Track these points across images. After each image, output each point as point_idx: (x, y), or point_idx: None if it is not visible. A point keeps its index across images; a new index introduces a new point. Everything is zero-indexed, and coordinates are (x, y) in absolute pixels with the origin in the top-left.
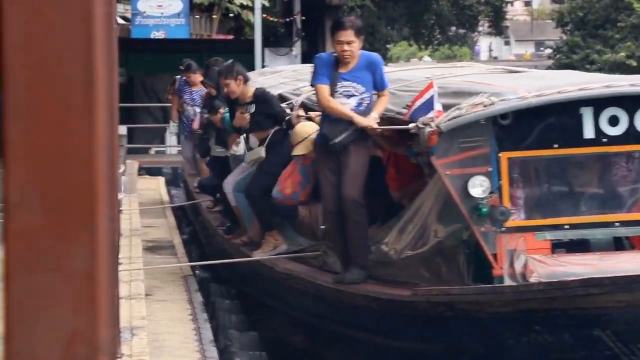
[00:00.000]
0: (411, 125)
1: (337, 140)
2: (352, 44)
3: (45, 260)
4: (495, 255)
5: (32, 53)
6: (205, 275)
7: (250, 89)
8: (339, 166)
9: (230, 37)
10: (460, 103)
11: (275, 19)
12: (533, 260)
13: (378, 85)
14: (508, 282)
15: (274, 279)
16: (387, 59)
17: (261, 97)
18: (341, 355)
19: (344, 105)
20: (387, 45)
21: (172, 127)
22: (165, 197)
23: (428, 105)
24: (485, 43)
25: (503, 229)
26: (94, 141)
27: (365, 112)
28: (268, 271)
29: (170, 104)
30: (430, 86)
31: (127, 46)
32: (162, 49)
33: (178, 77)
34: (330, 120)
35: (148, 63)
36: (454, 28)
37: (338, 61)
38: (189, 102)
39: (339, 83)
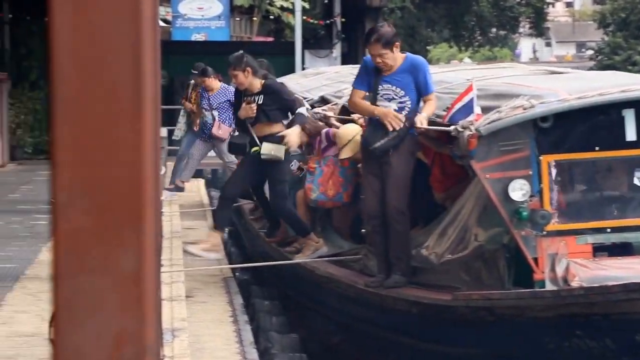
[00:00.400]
0: (452, 127)
1: (377, 145)
2: (383, 56)
3: (93, 261)
4: (536, 259)
5: (80, 55)
6: (246, 277)
7: (259, 81)
8: (383, 173)
9: (270, 39)
10: (501, 106)
11: (316, 21)
12: (574, 264)
13: (422, 89)
14: (549, 286)
15: (315, 282)
16: (427, 61)
17: (270, 88)
18: None
19: (385, 109)
20: (427, 47)
21: (177, 132)
22: (205, 199)
23: (467, 109)
24: (527, 44)
25: (544, 232)
26: (141, 143)
27: (408, 117)
28: (309, 274)
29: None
30: (469, 89)
31: (168, 48)
32: (202, 51)
33: (192, 82)
34: (372, 125)
35: (189, 65)
36: (494, 29)
37: None
38: (207, 107)
39: (379, 86)
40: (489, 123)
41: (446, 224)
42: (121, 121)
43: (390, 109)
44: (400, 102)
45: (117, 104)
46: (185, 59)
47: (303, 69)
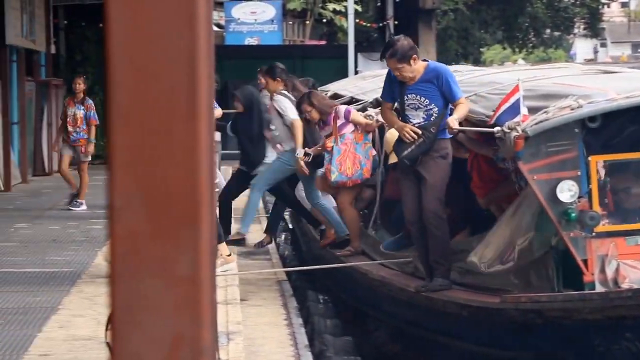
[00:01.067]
0: (496, 129)
1: (404, 154)
2: (400, 70)
3: (150, 263)
4: (585, 261)
5: (136, 60)
6: (300, 280)
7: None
8: (418, 179)
9: (323, 42)
10: (549, 106)
11: (368, 24)
12: (625, 265)
13: (448, 96)
14: (599, 288)
15: (367, 285)
16: (481, 63)
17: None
18: None
19: (413, 117)
20: (481, 49)
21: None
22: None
23: (514, 109)
24: (582, 45)
25: (593, 234)
26: (196, 146)
27: (435, 123)
28: (361, 277)
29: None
30: (516, 90)
31: (221, 53)
32: (255, 55)
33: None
34: (399, 136)
35: (242, 69)
36: (548, 30)
37: None
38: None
39: (405, 96)
40: (536, 124)
41: (496, 232)
42: (177, 125)
43: (406, 124)
44: (427, 111)
45: (172, 107)
46: (238, 63)
47: (356, 72)
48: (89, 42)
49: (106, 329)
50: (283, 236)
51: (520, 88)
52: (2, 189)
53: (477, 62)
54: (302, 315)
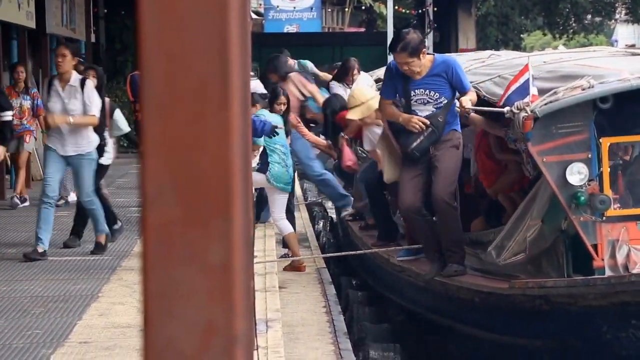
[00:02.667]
0: (506, 109)
1: (413, 146)
2: (410, 64)
3: (182, 252)
4: (595, 246)
5: (168, 47)
6: (338, 268)
7: None
8: (429, 168)
9: (362, 29)
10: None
11: (407, 11)
12: (636, 251)
13: (458, 87)
14: (609, 273)
15: (389, 270)
16: (521, 49)
17: None
18: (456, 351)
19: (421, 112)
20: (521, 35)
21: None
22: (298, 192)
23: (523, 90)
24: (623, 31)
25: (604, 218)
26: (228, 134)
27: (445, 113)
28: (384, 263)
29: None
30: (525, 69)
31: (260, 41)
32: (294, 43)
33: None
34: (404, 129)
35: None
36: (589, 16)
37: None
38: None
39: (412, 92)
40: (545, 104)
41: (512, 224)
42: (209, 113)
43: (412, 115)
44: (437, 104)
45: (204, 96)
46: (277, 51)
47: None
48: (128, 30)
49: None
50: (321, 224)
51: (530, 68)
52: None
53: (518, 48)
54: (341, 303)
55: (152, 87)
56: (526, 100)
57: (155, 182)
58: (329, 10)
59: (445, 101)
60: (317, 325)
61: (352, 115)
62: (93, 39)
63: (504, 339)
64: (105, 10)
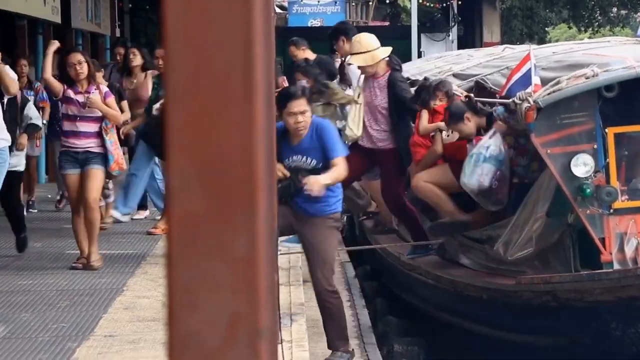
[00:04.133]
0: (510, 100)
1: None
2: (305, 114)
3: (206, 244)
4: (603, 240)
5: (192, 40)
6: (358, 262)
7: None
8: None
9: (386, 23)
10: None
11: (432, 5)
12: None
13: (327, 154)
14: (617, 267)
15: (400, 269)
16: (546, 42)
17: None
18: (468, 349)
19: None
20: (546, 28)
21: None
22: None
23: (525, 79)
24: None
25: (611, 210)
26: (252, 127)
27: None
28: (395, 261)
29: None
30: (527, 59)
31: (284, 34)
32: (318, 37)
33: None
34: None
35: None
36: (615, 9)
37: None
38: None
39: (288, 158)
40: (548, 94)
41: (518, 218)
42: (232, 106)
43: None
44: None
45: (228, 88)
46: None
47: (419, 53)
48: (153, 25)
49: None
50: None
51: (532, 56)
52: None
53: (542, 41)
54: (365, 297)
55: (175, 79)
56: (528, 90)
57: (179, 175)
58: (353, 4)
59: (318, 166)
60: None
61: (355, 61)
62: (118, 34)
63: (512, 337)
64: (130, 5)
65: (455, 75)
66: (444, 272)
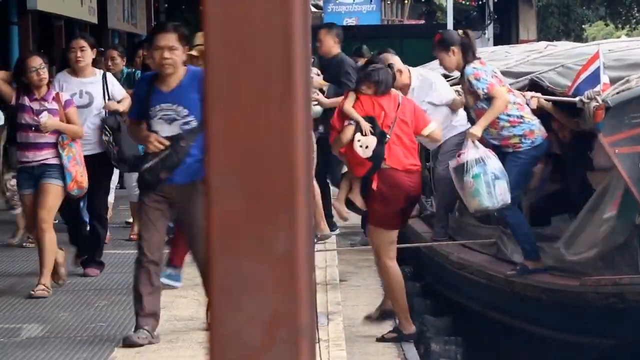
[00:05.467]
0: (577, 99)
1: (146, 167)
2: (173, 51)
3: (246, 243)
4: None
5: (231, 39)
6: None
7: None
8: (170, 210)
9: (422, 21)
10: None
11: (467, 2)
12: None
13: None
14: None
15: (447, 267)
16: (583, 40)
17: None
18: (518, 350)
19: (164, 133)
20: (583, 26)
21: None
22: None
23: (594, 78)
24: None
25: None
26: (292, 126)
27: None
28: (442, 259)
29: None
30: (595, 57)
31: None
32: (354, 35)
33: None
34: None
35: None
36: None
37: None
38: None
39: (156, 106)
40: (617, 93)
41: (582, 219)
42: (272, 105)
43: (151, 133)
44: (184, 124)
45: (268, 87)
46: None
47: None
48: (189, 25)
49: (207, 310)
50: None
51: (601, 55)
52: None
53: (579, 39)
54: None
55: (215, 78)
56: (597, 89)
57: (219, 174)
58: (388, 2)
59: (195, 123)
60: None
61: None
62: None
63: (572, 338)
64: (166, 5)
65: (502, 73)
66: (498, 271)
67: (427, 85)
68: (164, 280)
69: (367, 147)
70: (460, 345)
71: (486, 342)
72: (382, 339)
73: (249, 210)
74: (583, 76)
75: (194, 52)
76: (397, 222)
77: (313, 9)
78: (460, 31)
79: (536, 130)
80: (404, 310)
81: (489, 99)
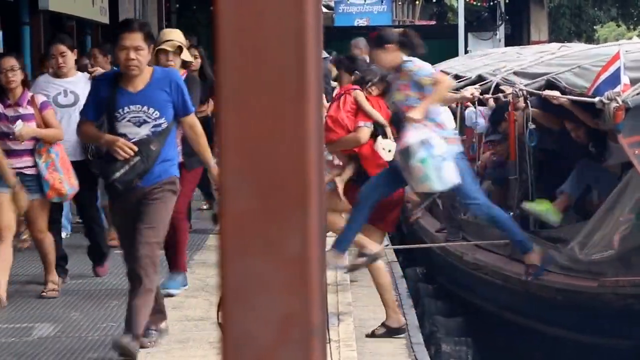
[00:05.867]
0: (596, 99)
1: (116, 176)
2: (139, 51)
3: (259, 243)
4: None
5: (244, 39)
6: (408, 261)
7: None
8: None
9: (433, 22)
10: None
11: (479, 3)
12: None
13: (180, 110)
14: None
15: (461, 267)
16: (595, 41)
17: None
18: (532, 350)
19: (133, 137)
20: (594, 27)
21: None
22: None
23: (614, 79)
24: None
25: None
26: (304, 127)
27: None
28: (456, 260)
29: None
30: (616, 57)
31: (330, 34)
32: (364, 36)
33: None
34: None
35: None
36: None
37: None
38: None
39: (124, 107)
40: (637, 94)
41: (597, 219)
42: (285, 106)
43: (118, 138)
44: (155, 127)
45: (281, 89)
46: (347, 45)
47: (466, 52)
48: (200, 25)
49: (217, 310)
50: None
51: (621, 56)
52: None
53: (591, 40)
54: (412, 297)
55: (228, 79)
56: (617, 89)
57: (232, 174)
58: (399, 3)
59: (165, 125)
60: None
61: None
62: None
63: (589, 339)
64: (177, 5)
65: (517, 74)
66: (514, 271)
67: None
68: (171, 291)
69: (389, 150)
70: (471, 346)
71: (498, 343)
72: (372, 335)
73: (262, 210)
74: (603, 77)
75: (167, 47)
76: (385, 220)
77: (324, 10)
78: (400, 29)
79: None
80: (391, 303)
81: (425, 89)
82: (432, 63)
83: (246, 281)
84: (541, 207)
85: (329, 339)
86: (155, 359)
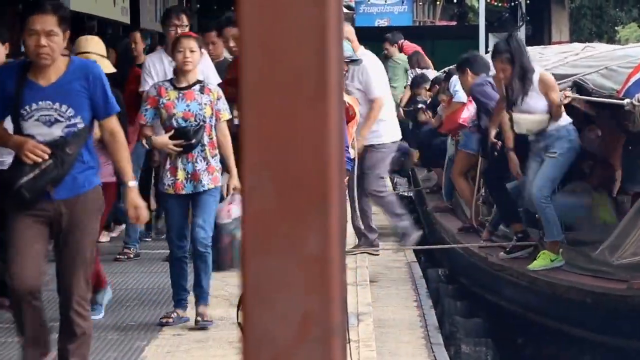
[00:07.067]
0: (626, 101)
1: (23, 182)
2: (51, 37)
3: (280, 243)
4: None
5: (266, 40)
6: (428, 262)
7: None
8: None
9: (454, 23)
10: None
11: (500, 4)
12: None
13: (101, 108)
14: None
15: (485, 268)
16: (616, 42)
17: None
18: (557, 352)
19: (43, 137)
20: (616, 28)
21: None
22: (389, 185)
23: None
24: None
25: None
26: (325, 127)
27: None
28: (480, 261)
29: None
30: None
31: None
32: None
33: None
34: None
35: (372, 51)
36: None
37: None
38: None
39: (31, 104)
40: None
41: (627, 223)
42: (306, 106)
43: (28, 139)
44: (68, 127)
45: (301, 89)
46: (368, 45)
47: (486, 52)
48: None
49: (237, 309)
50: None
51: None
52: None
53: (612, 41)
54: (432, 297)
55: (250, 79)
56: None
57: (253, 174)
58: (420, 3)
59: (82, 125)
60: (408, 319)
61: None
62: None
63: (616, 342)
64: (198, 5)
65: None
66: (540, 273)
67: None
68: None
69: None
70: (491, 347)
71: (520, 344)
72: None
73: (283, 210)
74: (633, 79)
75: (92, 57)
76: None
77: (345, 10)
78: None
79: None
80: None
81: None
82: (453, 63)
83: (266, 280)
84: (545, 260)
85: (349, 339)
86: (175, 358)
